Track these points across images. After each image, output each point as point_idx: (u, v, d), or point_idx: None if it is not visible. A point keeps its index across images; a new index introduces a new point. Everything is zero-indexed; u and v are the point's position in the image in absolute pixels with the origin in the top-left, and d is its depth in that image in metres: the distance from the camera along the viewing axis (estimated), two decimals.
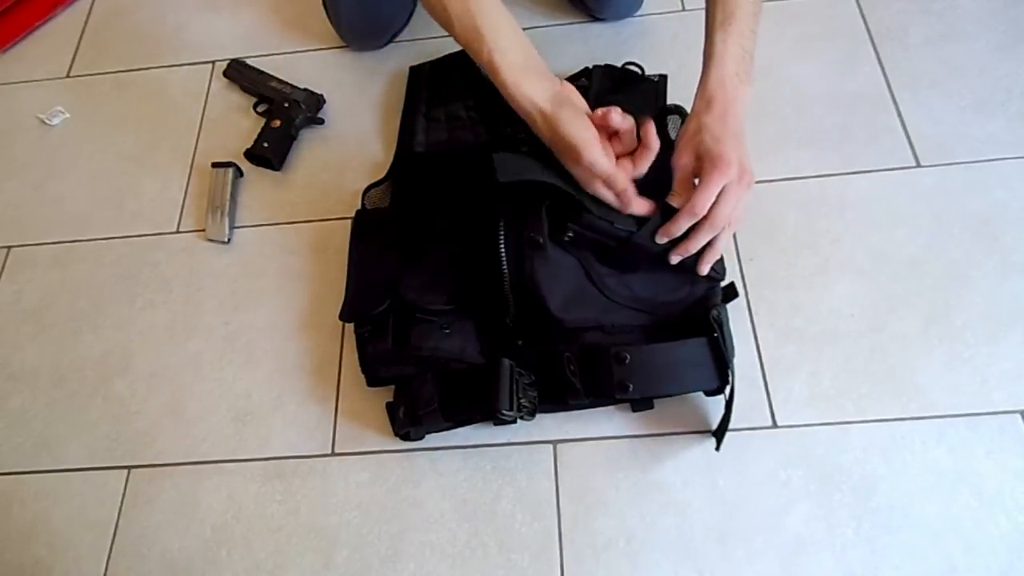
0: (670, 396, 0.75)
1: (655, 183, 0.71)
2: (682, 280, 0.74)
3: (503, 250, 0.72)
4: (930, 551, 0.67)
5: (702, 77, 0.71)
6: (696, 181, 0.68)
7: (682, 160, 0.69)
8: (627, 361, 0.68)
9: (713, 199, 0.66)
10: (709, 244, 0.70)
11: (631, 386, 0.68)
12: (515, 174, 0.68)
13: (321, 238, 0.92)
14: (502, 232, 0.72)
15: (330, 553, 0.73)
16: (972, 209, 0.84)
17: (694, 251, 0.70)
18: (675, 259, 0.71)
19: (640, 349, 0.69)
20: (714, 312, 0.70)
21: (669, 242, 0.70)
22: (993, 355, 0.75)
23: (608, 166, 0.66)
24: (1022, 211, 0.83)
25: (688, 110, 0.73)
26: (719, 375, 0.69)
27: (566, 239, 0.71)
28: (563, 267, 0.72)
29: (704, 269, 0.72)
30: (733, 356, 0.71)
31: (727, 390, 0.70)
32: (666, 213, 0.69)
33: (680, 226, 0.68)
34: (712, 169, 0.65)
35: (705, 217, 0.67)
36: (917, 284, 0.80)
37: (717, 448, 0.71)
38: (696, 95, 0.71)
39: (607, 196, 0.69)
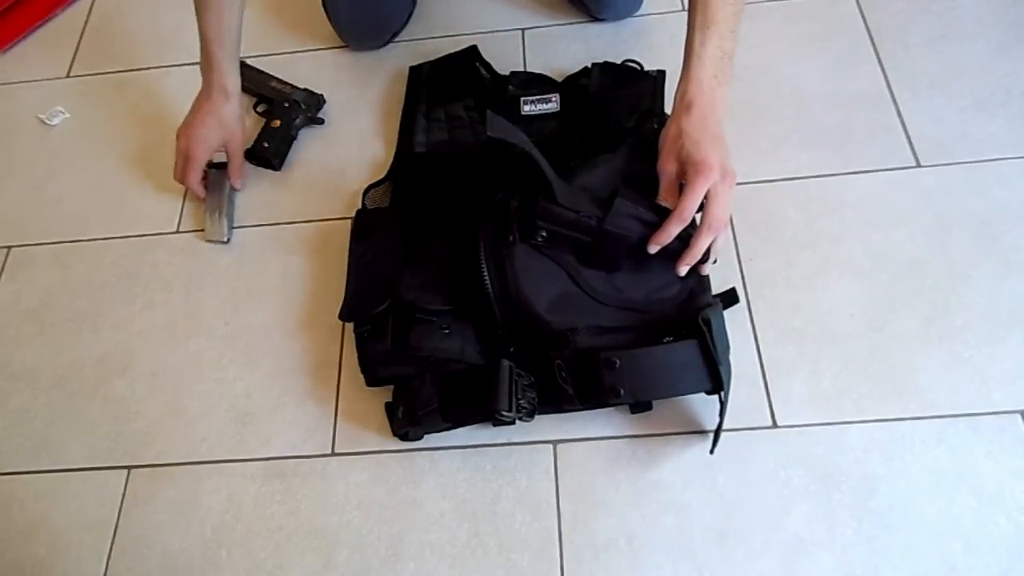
0: (663, 398, 0.74)
1: (641, 186, 0.72)
2: (671, 277, 0.73)
3: (484, 265, 0.72)
4: (930, 551, 0.67)
5: (680, 79, 0.72)
6: (681, 185, 0.69)
7: (666, 166, 0.71)
8: (617, 366, 0.68)
9: (699, 203, 0.67)
10: (688, 246, 0.70)
11: (622, 391, 0.68)
12: (505, 134, 0.68)
13: (321, 238, 0.92)
14: (481, 246, 0.72)
15: (330, 553, 0.73)
16: (972, 209, 0.84)
17: (699, 257, 0.70)
18: (683, 269, 0.71)
19: (630, 353, 0.69)
20: (703, 315, 0.70)
21: (648, 232, 0.69)
22: (993, 355, 0.75)
23: None
24: (1022, 211, 0.83)
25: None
26: (711, 378, 0.69)
27: (540, 239, 0.71)
28: (546, 273, 0.72)
29: (683, 270, 0.72)
30: (728, 353, 0.71)
31: (721, 393, 0.69)
32: (659, 213, 0.70)
33: (670, 232, 0.68)
34: (696, 175, 0.66)
35: (704, 222, 0.68)
36: (917, 284, 0.80)
37: (711, 451, 0.71)
38: (675, 98, 0.72)
39: None
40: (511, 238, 0.71)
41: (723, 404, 0.69)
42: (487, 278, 0.71)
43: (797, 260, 0.83)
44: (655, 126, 0.86)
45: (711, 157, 0.66)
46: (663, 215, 0.69)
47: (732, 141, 0.73)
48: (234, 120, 0.93)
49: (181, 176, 0.93)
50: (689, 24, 0.73)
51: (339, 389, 0.82)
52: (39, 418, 0.84)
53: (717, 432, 0.70)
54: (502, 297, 0.71)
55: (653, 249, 0.70)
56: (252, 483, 0.78)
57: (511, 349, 0.74)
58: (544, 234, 0.71)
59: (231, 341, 0.86)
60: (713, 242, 0.70)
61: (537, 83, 0.96)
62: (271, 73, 1.04)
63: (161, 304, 0.90)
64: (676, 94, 0.72)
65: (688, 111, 0.69)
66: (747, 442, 0.74)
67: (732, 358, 0.72)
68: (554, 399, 0.71)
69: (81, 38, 1.17)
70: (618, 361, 0.68)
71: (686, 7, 1.02)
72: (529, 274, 0.71)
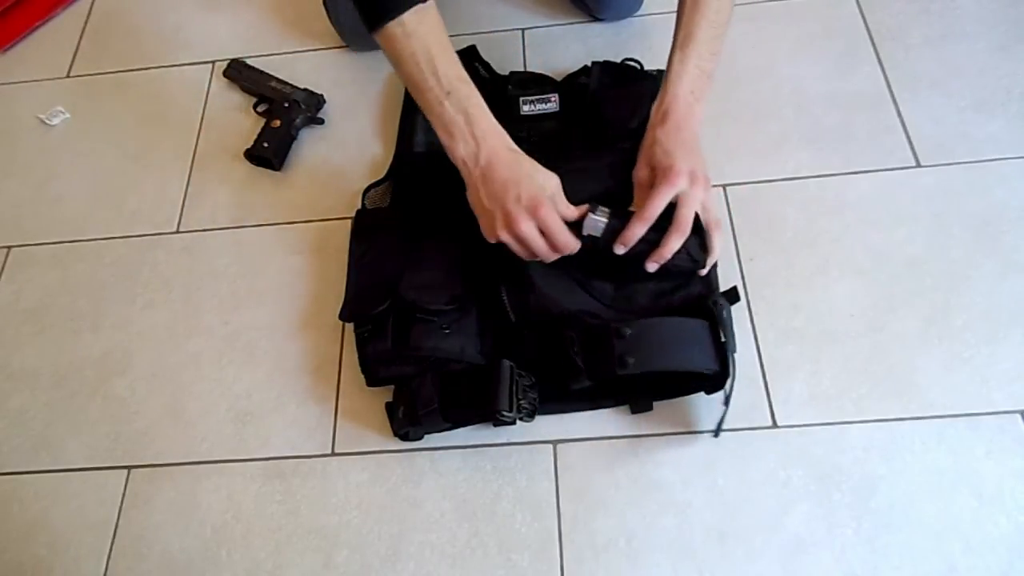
0: (669, 374, 0.72)
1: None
2: (678, 282, 0.76)
3: (503, 292, 0.76)
4: (930, 551, 0.67)
5: (660, 93, 0.75)
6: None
7: (640, 172, 0.74)
8: (627, 335, 0.69)
9: (662, 207, 0.69)
10: (657, 245, 0.71)
11: (631, 360, 0.68)
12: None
13: (321, 238, 0.92)
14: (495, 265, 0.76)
15: (330, 553, 0.73)
16: (972, 209, 0.84)
17: (668, 257, 0.71)
18: (652, 267, 0.72)
19: (641, 323, 0.70)
20: (712, 298, 0.72)
21: (649, 247, 0.71)
22: (993, 355, 0.75)
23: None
24: (1022, 211, 0.83)
25: None
26: (719, 360, 0.70)
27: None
28: (559, 286, 0.76)
29: (652, 267, 0.72)
30: (734, 350, 0.71)
31: (727, 384, 0.70)
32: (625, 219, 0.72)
33: (635, 233, 0.69)
34: (662, 180, 0.69)
35: (673, 224, 0.69)
36: (917, 284, 0.80)
37: (716, 434, 0.71)
38: (652, 109, 0.75)
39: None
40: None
41: (728, 393, 0.70)
42: (505, 299, 0.76)
43: (797, 260, 0.83)
44: None
45: (679, 164, 0.69)
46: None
47: (732, 141, 0.74)
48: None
49: (558, 246, 0.70)
50: (673, 42, 0.76)
51: (339, 389, 0.82)
52: (39, 418, 0.84)
53: (722, 418, 0.70)
54: (520, 307, 0.75)
55: (620, 250, 0.71)
56: (252, 483, 0.78)
57: (524, 332, 0.75)
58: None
59: (231, 341, 0.86)
60: (709, 244, 0.72)
61: (536, 83, 0.96)
62: (271, 73, 1.04)
63: (161, 304, 0.90)
64: (654, 105, 0.75)
65: (663, 122, 0.73)
66: (747, 442, 0.74)
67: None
68: (559, 380, 0.72)
69: (81, 38, 1.17)
70: (629, 331, 0.69)
71: None
72: (546, 282, 0.75)
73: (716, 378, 0.71)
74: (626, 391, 0.76)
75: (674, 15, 0.77)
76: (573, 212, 0.70)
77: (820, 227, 0.85)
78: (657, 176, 0.70)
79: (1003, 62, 0.93)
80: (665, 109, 0.73)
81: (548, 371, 0.74)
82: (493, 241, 0.71)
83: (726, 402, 0.70)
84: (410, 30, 0.68)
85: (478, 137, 0.69)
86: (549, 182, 0.69)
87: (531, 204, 0.67)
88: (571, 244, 0.70)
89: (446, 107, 0.69)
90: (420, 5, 0.68)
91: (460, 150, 0.70)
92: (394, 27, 0.68)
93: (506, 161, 0.69)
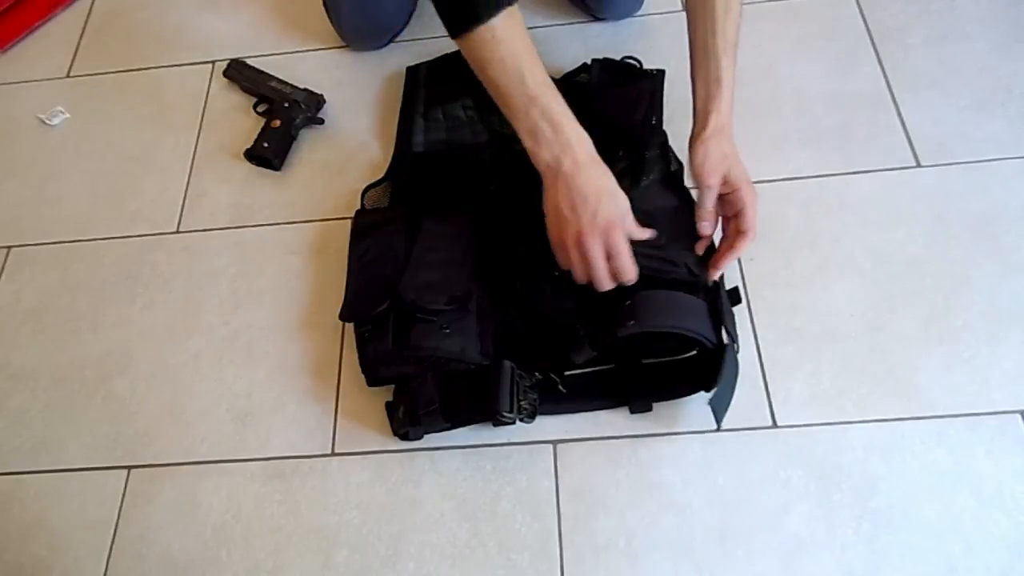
0: (669, 335, 0.72)
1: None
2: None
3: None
4: (930, 551, 0.67)
5: (713, 103, 0.72)
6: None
7: (711, 180, 0.72)
8: (628, 304, 0.70)
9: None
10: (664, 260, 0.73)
11: (631, 322, 0.69)
12: None
13: (321, 238, 0.92)
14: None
15: (330, 553, 0.73)
16: (972, 209, 0.84)
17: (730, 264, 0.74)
18: (716, 274, 0.74)
19: (645, 293, 0.71)
20: (719, 280, 0.75)
21: (647, 263, 0.72)
22: (993, 355, 0.75)
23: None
24: (1022, 211, 0.83)
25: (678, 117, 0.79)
26: (716, 334, 0.71)
27: (556, 275, 0.76)
28: (564, 301, 0.77)
29: (715, 274, 0.75)
30: (737, 351, 0.72)
31: (722, 367, 0.70)
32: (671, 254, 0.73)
33: (740, 253, 0.72)
34: (751, 193, 0.71)
35: (748, 232, 0.71)
36: (917, 284, 0.80)
37: (717, 427, 0.71)
38: (709, 118, 0.73)
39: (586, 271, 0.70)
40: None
41: (724, 375, 0.70)
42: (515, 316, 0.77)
43: (797, 260, 0.83)
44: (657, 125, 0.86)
45: (747, 174, 0.72)
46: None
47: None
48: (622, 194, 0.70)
49: (619, 272, 0.69)
50: (707, 46, 0.74)
51: (339, 389, 0.82)
52: (39, 418, 0.84)
53: (713, 405, 0.70)
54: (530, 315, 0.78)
55: (716, 275, 0.74)
56: (252, 483, 0.78)
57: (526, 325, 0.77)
58: (557, 272, 0.74)
59: (231, 341, 0.86)
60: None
61: None
62: (271, 73, 1.04)
63: (161, 304, 0.90)
64: (709, 114, 0.73)
65: (724, 133, 0.73)
66: (747, 442, 0.74)
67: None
68: (565, 347, 0.73)
69: (81, 38, 1.17)
70: (630, 301, 0.70)
71: (686, 8, 1.03)
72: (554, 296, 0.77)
73: (714, 368, 0.70)
74: (626, 381, 0.76)
75: (676, 15, 0.77)
76: (644, 233, 0.70)
77: (820, 227, 0.85)
78: (744, 189, 0.71)
79: (1003, 62, 0.93)
80: (723, 121, 0.73)
81: (550, 351, 0.75)
82: (556, 246, 0.71)
83: (719, 381, 0.69)
84: (500, 35, 0.66)
85: (563, 144, 0.67)
86: (624, 203, 0.69)
87: (606, 225, 0.66)
88: (631, 273, 0.68)
89: (532, 114, 0.67)
90: (509, 8, 0.66)
91: (544, 156, 0.68)
92: (483, 32, 0.65)
93: (589, 173, 0.68)
